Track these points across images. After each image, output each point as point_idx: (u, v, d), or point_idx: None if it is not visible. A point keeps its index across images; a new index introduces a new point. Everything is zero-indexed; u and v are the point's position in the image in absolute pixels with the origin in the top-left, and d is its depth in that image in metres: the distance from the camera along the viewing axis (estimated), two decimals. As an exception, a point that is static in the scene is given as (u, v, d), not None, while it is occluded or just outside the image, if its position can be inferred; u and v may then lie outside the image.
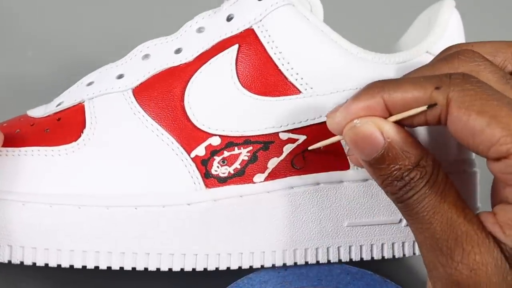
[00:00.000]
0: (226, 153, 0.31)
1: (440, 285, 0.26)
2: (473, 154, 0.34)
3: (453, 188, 0.26)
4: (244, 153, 0.31)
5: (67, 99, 0.33)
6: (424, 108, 0.26)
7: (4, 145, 0.31)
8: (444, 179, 0.26)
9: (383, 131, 0.26)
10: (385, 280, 0.33)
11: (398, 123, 0.27)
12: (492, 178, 0.27)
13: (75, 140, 0.31)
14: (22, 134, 0.32)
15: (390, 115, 0.27)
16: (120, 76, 0.33)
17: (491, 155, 0.24)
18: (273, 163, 0.32)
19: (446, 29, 0.34)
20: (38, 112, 0.34)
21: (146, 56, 0.33)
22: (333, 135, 0.31)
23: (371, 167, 0.27)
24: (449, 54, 0.28)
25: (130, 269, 0.31)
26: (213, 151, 0.31)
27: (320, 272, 0.33)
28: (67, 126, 0.32)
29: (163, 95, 0.32)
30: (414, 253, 0.33)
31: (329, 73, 0.32)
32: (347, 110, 0.27)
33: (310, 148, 0.31)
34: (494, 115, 0.24)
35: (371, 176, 0.27)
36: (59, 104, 0.33)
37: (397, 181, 0.26)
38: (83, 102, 0.33)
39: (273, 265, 0.32)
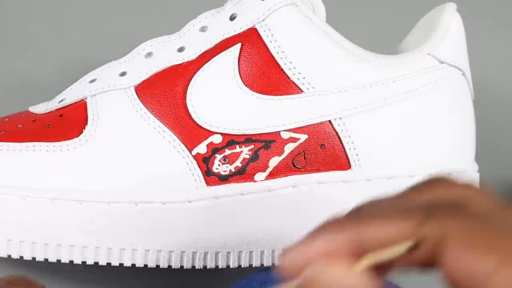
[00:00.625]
0: (227, 151, 0.31)
1: None
2: (474, 155, 0.35)
3: None
4: (245, 152, 0.31)
5: (69, 95, 0.33)
6: (406, 247, 0.19)
7: (6, 140, 0.31)
8: None
9: (351, 283, 0.19)
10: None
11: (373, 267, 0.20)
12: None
13: (77, 136, 0.31)
14: (23, 129, 0.32)
15: (360, 256, 0.20)
16: (122, 74, 0.33)
17: None
18: (274, 162, 0.32)
19: (447, 32, 0.34)
20: (40, 108, 0.34)
21: (149, 54, 0.33)
22: (335, 134, 0.31)
23: None
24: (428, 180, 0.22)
25: (130, 265, 0.31)
26: (214, 149, 0.31)
27: (320, 273, 0.33)
28: (69, 122, 0.32)
29: (165, 93, 0.32)
30: (414, 254, 0.33)
31: (331, 73, 0.32)
32: (304, 249, 0.20)
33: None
34: (504, 256, 0.18)
35: None
36: (61, 101, 0.33)
37: None
38: (85, 98, 0.33)
39: (273, 264, 0.32)
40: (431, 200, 0.20)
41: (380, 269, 0.20)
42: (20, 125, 0.32)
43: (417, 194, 0.21)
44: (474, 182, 0.22)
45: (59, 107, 0.33)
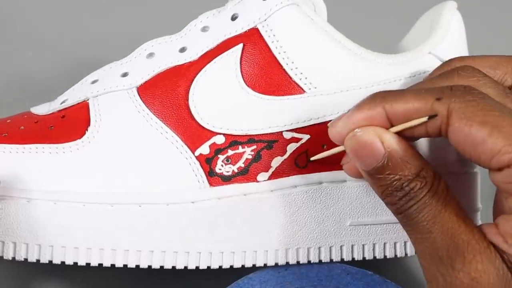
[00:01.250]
0: (230, 152, 0.31)
1: None
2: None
3: (454, 199, 0.26)
4: (248, 152, 0.31)
5: (71, 96, 0.33)
6: (424, 119, 0.26)
7: (8, 142, 0.31)
8: (444, 190, 0.26)
9: (384, 141, 0.26)
10: (385, 280, 0.33)
11: (399, 134, 0.27)
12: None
13: (80, 137, 0.31)
14: (26, 131, 0.32)
15: (391, 125, 0.27)
16: (124, 74, 0.33)
17: (493, 165, 0.24)
18: (276, 162, 0.32)
19: (448, 31, 0.34)
20: (42, 109, 0.34)
21: (151, 55, 0.33)
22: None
23: (371, 177, 0.27)
24: (448, 70, 0.28)
25: (134, 266, 0.31)
26: (217, 150, 0.31)
27: (320, 272, 0.33)
28: (71, 124, 0.32)
29: (167, 94, 0.32)
30: (416, 253, 0.33)
31: (333, 73, 0.32)
32: (348, 120, 0.27)
33: (313, 158, 0.31)
34: (495, 125, 0.24)
35: (371, 186, 0.27)
36: (63, 102, 0.33)
37: (397, 191, 0.26)
38: (88, 100, 0.33)
39: (276, 264, 0.32)
40: (447, 83, 0.27)
41: (405, 135, 0.26)
42: (22, 127, 0.32)
43: (437, 79, 0.28)
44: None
45: (61, 108, 0.33)
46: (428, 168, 0.26)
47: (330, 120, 0.32)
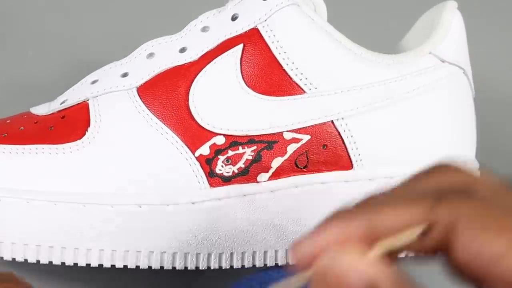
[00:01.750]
0: (230, 152, 0.31)
1: None
2: (474, 153, 0.35)
3: None
4: (248, 153, 0.31)
5: (71, 97, 0.33)
6: (417, 232, 0.19)
7: (8, 143, 0.31)
8: None
9: (363, 270, 0.19)
10: (386, 280, 0.33)
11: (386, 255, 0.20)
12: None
13: (80, 138, 0.31)
14: (26, 131, 0.32)
15: (372, 244, 0.19)
16: (124, 75, 0.33)
17: None
18: (277, 162, 0.32)
19: (448, 31, 0.34)
20: (42, 109, 0.33)
21: (151, 55, 0.33)
22: (337, 135, 0.31)
23: None
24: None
25: (134, 267, 0.31)
26: (217, 150, 0.31)
27: (321, 272, 0.33)
28: (71, 124, 0.32)
29: (167, 94, 0.32)
30: (416, 253, 0.33)
31: (333, 73, 0.32)
32: (314, 240, 0.20)
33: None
34: None
35: None
36: (63, 102, 0.33)
37: None
38: (88, 100, 0.33)
39: (276, 264, 0.32)
40: (438, 186, 0.20)
41: (393, 257, 0.20)
42: (22, 127, 0.32)
43: (422, 182, 0.21)
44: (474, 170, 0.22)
45: (61, 108, 0.33)
46: None
47: (331, 121, 0.32)
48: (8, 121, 0.33)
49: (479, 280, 0.19)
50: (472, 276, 0.19)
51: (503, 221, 0.19)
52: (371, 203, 0.21)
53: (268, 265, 0.32)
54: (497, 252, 0.18)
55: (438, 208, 0.19)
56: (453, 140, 0.34)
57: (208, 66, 0.32)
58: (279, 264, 0.32)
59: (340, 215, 0.20)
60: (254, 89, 0.32)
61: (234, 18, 0.33)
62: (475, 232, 0.19)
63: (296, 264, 0.20)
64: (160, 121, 0.31)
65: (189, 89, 0.32)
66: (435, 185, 0.21)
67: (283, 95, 0.32)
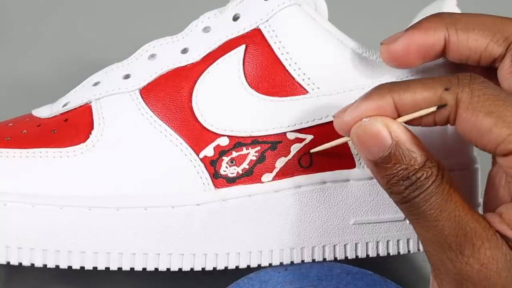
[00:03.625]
0: (234, 153, 0.31)
1: (448, 280, 0.26)
2: (475, 151, 0.35)
3: (457, 189, 0.27)
4: (252, 153, 0.32)
5: (73, 99, 0.33)
6: (433, 109, 0.26)
7: (11, 146, 0.31)
8: (449, 180, 0.27)
9: (391, 130, 0.27)
10: (385, 280, 0.33)
11: (406, 124, 0.27)
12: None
13: (84, 141, 0.31)
14: (29, 135, 0.32)
15: (399, 116, 0.27)
16: (126, 76, 0.33)
17: (499, 152, 0.26)
18: (280, 162, 0.32)
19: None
20: (44, 112, 0.33)
21: (152, 56, 0.33)
22: (339, 136, 0.32)
23: (376, 167, 0.27)
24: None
25: (141, 269, 0.31)
26: (221, 152, 0.31)
27: (320, 272, 0.33)
28: (74, 127, 0.32)
29: (171, 96, 0.32)
30: (418, 250, 0.34)
31: (335, 73, 0.32)
32: (356, 110, 0.27)
33: (313, 150, 0.32)
34: (500, 115, 0.25)
35: (375, 177, 0.28)
36: (65, 105, 0.33)
37: (403, 181, 0.26)
38: (90, 102, 0.33)
39: (281, 263, 0.32)
40: (447, 76, 0.27)
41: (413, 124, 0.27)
42: (25, 130, 0.32)
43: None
44: None
45: (64, 111, 0.33)
46: (433, 159, 0.27)
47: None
48: (10, 124, 0.33)
49: (474, 144, 0.26)
50: (469, 141, 0.26)
51: (493, 105, 0.25)
52: (399, 85, 0.27)
53: (273, 264, 0.32)
54: (484, 128, 0.25)
55: (447, 92, 0.26)
56: (453, 138, 0.34)
57: (211, 67, 0.32)
58: (284, 263, 0.33)
59: (376, 91, 0.27)
60: (257, 90, 0.32)
61: (235, 18, 0.33)
62: (470, 112, 0.25)
63: (338, 129, 0.28)
64: (164, 123, 0.31)
65: (192, 90, 0.32)
66: (446, 76, 0.27)
67: (286, 96, 0.32)
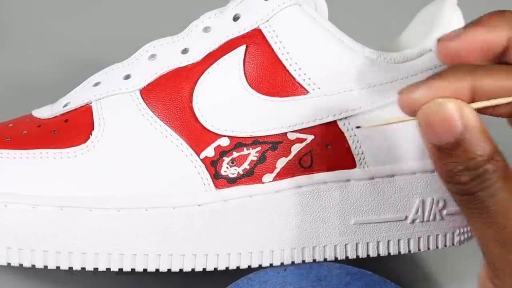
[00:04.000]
0: (235, 154, 0.31)
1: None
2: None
3: None
4: (253, 154, 0.32)
5: (73, 99, 0.33)
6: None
7: (12, 148, 0.31)
8: None
9: (464, 116, 0.25)
10: (384, 280, 0.33)
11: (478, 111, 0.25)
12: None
13: (84, 142, 0.31)
14: (29, 135, 0.32)
15: (473, 101, 0.25)
16: (127, 77, 0.33)
17: None
18: (281, 163, 0.32)
19: (448, 28, 0.34)
20: (45, 112, 0.33)
21: (153, 56, 0.33)
22: (340, 138, 0.32)
23: (440, 153, 0.25)
24: None
25: (142, 270, 0.31)
26: (222, 152, 0.31)
27: (320, 273, 0.33)
28: (75, 128, 0.32)
29: (171, 96, 0.32)
30: (419, 249, 0.34)
31: (336, 73, 0.32)
32: (429, 88, 0.25)
33: (368, 125, 0.31)
34: None
35: (434, 163, 0.26)
36: (65, 105, 0.33)
37: (468, 171, 0.25)
38: (90, 103, 0.33)
39: (282, 263, 0.33)
40: None
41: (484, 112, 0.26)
42: (25, 131, 0.32)
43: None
44: None
45: (64, 111, 0.33)
46: (500, 153, 0.25)
47: (334, 120, 0.32)
48: (10, 125, 0.33)
49: None
50: None
51: None
52: (480, 68, 0.25)
53: (274, 265, 0.32)
54: None
55: None
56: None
57: (211, 67, 0.32)
58: (285, 263, 0.33)
59: (454, 72, 0.25)
60: (257, 90, 0.32)
61: (236, 18, 0.33)
62: None
63: (403, 106, 0.26)
64: (164, 123, 0.31)
65: (193, 91, 0.32)
66: None
67: (286, 96, 0.32)
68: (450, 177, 0.25)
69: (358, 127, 0.31)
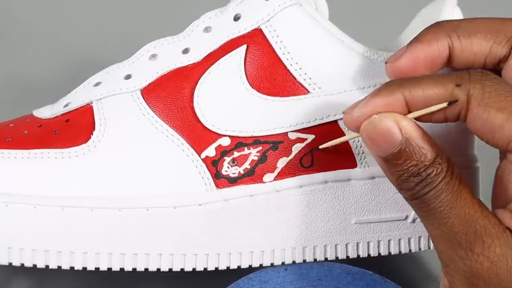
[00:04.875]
0: (236, 154, 0.32)
1: (458, 278, 0.26)
2: (475, 150, 0.35)
3: (467, 186, 0.27)
4: (253, 153, 0.32)
5: (74, 99, 0.33)
6: (444, 105, 0.26)
7: (13, 147, 0.31)
8: (459, 176, 0.26)
9: (401, 126, 0.26)
10: (385, 280, 0.33)
11: (416, 120, 0.27)
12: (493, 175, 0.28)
13: (85, 142, 0.31)
14: (30, 135, 0.32)
15: (409, 112, 0.27)
16: (128, 77, 0.33)
17: (510, 148, 0.26)
18: (282, 162, 0.32)
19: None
20: (45, 112, 0.33)
21: (153, 56, 0.33)
22: (341, 135, 0.32)
23: (386, 163, 0.27)
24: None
25: (143, 270, 0.31)
26: (223, 152, 0.31)
27: (320, 272, 0.33)
28: (76, 128, 0.32)
29: (172, 96, 0.32)
30: (419, 249, 0.34)
31: (336, 73, 0.32)
32: (366, 106, 0.27)
33: (322, 146, 0.31)
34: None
35: (385, 173, 0.28)
36: (66, 105, 0.33)
37: (413, 177, 0.26)
38: (91, 103, 0.33)
39: (283, 263, 0.33)
40: (459, 73, 0.27)
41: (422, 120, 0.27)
42: (26, 131, 0.32)
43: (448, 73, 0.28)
44: None
45: (65, 111, 0.33)
46: (443, 155, 0.27)
47: (335, 120, 0.32)
48: (11, 125, 0.33)
49: (486, 141, 0.26)
50: (481, 138, 0.26)
51: (505, 101, 0.25)
52: (410, 81, 0.27)
53: (274, 264, 0.32)
54: (496, 124, 0.25)
55: (458, 88, 0.26)
56: (454, 136, 0.34)
57: (212, 67, 0.32)
58: (286, 263, 0.33)
59: (386, 88, 0.27)
60: (258, 90, 0.32)
61: (236, 18, 0.33)
62: (481, 108, 0.25)
63: (348, 125, 0.28)
64: (165, 123, 0.31)
65: (194, 91, 0.32)
66: (457, 72, 0.27)
67: (287, 96, 0.32)
68: (399, 184, 0.27)
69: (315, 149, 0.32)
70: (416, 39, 0.29)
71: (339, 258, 0.33)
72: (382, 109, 0.27)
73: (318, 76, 0.32)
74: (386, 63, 0.29)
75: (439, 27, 0.29)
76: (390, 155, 0.27)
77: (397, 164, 0.27)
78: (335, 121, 0.32)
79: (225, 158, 0.31)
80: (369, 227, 0.33)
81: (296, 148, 0.32)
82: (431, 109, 0.26)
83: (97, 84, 0.33)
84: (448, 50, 0.28)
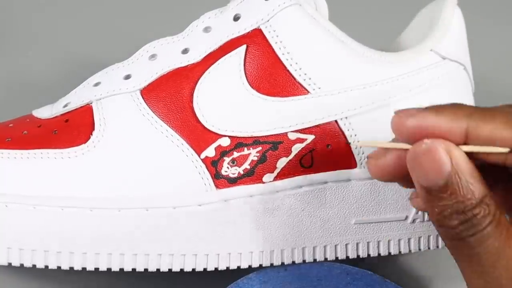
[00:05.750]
0: (235, 154, 0.31)
1: None
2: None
3: None
4: (253, 154, 0.32)
5: (74, 99, 0.33)
6: (506, 150, 0.24)
7: (12, 148, 0.31)
8: (506, 222, 0.24)
9: (453, 157, 0.24)
10: (385, 280, 0.33)
11: (469, 154, 0.24)
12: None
13: (85, 142, 0.31)
14: (29, 136, 0.32)
15: (464, 143, 0.24)
16: (127, 77, 0.33)
17: None
18: (282, 163, 0.32)
19: (449, 28, 0.34)
20: (45, 112, 0.33)
21: (153, 56, 0.33)
22: (342, 134, 0.32)
23: (429, 195, 0.25)
24: None
25: (142, 270, 0.31)
26: (222, 152, 0.31)
27: (320, 272, 0.33)
28: (75, 128, 0.32)
29: (171, 96, 0.32)
30: (419, 249, 0.34)
31: (336, 73, 0.32)
32: (423, 120, 0.25)
33: (362, 143, 0.31)
34: None
35: (425, 205, 0.25)
36: (66, 105, 0.33)
37: (457, 215, 0.24)
38: (91, 103, 0.33)
39: (283, 263, 0.33)
40: None
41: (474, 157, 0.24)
42: (25, 131, 0.32)
43: None
44: None
45: (64, 112, 0.33)
46: (491, 196, 0.24)
47: (335, 120, 0.32)
48: (10, 125, 0.33)
49: None
50: None
51: None
52: (481, 113, 0.24)
53: (274, 264, 0.32)
54: None
55: None
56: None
57: (212, 67, 0.32)
58: (286, 263, 0.33)
59: (451, 111, 0.25)
60: (258, 90, 0.32)
61: (236, 18, 0.33)
62: None
63: (396, 131, 0.25)
64: (165, 123, 0.31)
65: (193, 91, 0.32)
66: None
67: (287, 96, 0.32)
68: (440, 220, 0.25)
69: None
70: (432, 111, 0.25)
71: (339, 258, 0.33)
72: (440, 131, 0.24)
73: (318, 76, 0.32)
74: (395, 112, 0.26)
75: (458, 108, 0.25)
76: (435, 186, 0.24)
77: (441, 197, 0.24)
78: (335, 121, 0.32)
79: (224, 158, 0.31)
80: (369, 227, 0.33)
81: (296, 148, 0.32)
82: (491, 150, 0.24)
83: (96, 84, 0.33)
84: (466, 128, 0.25)
